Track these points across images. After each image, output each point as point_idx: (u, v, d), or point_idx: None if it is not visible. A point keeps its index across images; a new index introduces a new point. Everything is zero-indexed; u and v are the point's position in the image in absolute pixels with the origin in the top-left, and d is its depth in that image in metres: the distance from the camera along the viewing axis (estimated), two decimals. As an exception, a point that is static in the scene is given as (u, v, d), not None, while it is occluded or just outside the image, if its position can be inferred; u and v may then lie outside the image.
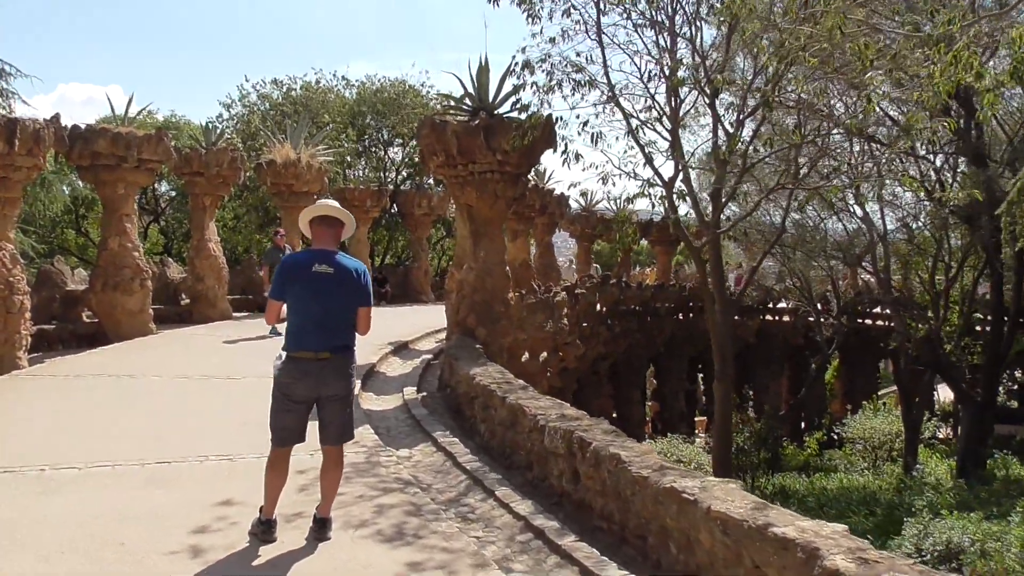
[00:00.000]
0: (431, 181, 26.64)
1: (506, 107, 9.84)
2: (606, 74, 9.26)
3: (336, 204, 4.65)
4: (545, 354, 10.69)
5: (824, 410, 25.87)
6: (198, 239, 15.69)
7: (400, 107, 24.10)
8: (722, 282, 10.66)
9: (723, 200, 10.48)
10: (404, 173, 26.15)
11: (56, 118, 10.24)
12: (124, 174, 12.64)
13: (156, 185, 21.15)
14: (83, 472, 5.57)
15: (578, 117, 9.33)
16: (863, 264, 20.16)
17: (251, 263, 19.36)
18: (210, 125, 16.58)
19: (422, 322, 16.70)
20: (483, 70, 9.79)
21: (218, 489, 5.31)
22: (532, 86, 8.70)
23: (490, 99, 9.79)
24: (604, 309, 18.51)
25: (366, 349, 12.49)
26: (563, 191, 19.44)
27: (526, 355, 10.16)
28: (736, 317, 24.93)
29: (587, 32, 9.19)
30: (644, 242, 26.79)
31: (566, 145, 8.51)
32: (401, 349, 13.23)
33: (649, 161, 9.51)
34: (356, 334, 4.55)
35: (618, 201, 24.55)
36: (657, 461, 4.64)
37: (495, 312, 9.72)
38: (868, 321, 24.91)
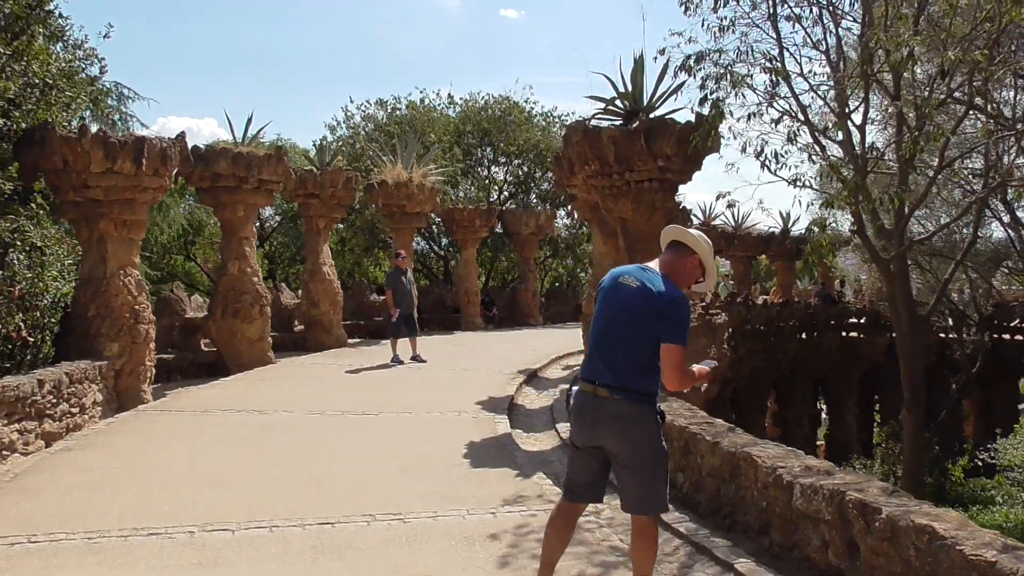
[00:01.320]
0: (534, 199, 25.82)
1: (663, 109, 8.82)
2: (783, 66, 8.10)
3: (699, 237, 3.70)
4: (705, 384, 9.54)
5: (960, 434, 23.74)
6: (312, 263, 15.17)
7: (505, 124, 23.39)
8: (911, 301, 9.29)
9: (908, 208, 9.11)
10: (507, 192, 25.38)
11: (182, 137, 9.74)
12: (244, 196, 12.16)
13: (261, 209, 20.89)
14: (238, 536, 4.73)
15: (730, 115, 8.08)
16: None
17: (361, 287, 18.82)
18: (324, 144, 16.13)
19: (543, 348, 15.73)
20: (638, 68, 8.80)
21: (400, 562, 4.37)
22: (713, 81, 7.57)
23: (646, 100, 8.78)
24: (730, 330, 17.19)
25: (498, 379, 11.62)
26: (684, 204, 18.13)
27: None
28: (862, 335, 23.27)
29: (769, 18, 8.06)
30: (763, 257, 25.26)
31: (762, 147, 7.37)
32: (532, 378, 12.27)
33: (835, 169, 8.27)
34: (654, 379, 3.54)
35: (736, 215, 23.27)
36: (995, 537, 3.46)
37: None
38: (1006, 336, 22.79)
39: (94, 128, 8.92)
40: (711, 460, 5.46)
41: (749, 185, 9.77)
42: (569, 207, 19.64)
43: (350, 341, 16.01)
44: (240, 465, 6.35)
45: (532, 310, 23.24)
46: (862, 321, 23.13)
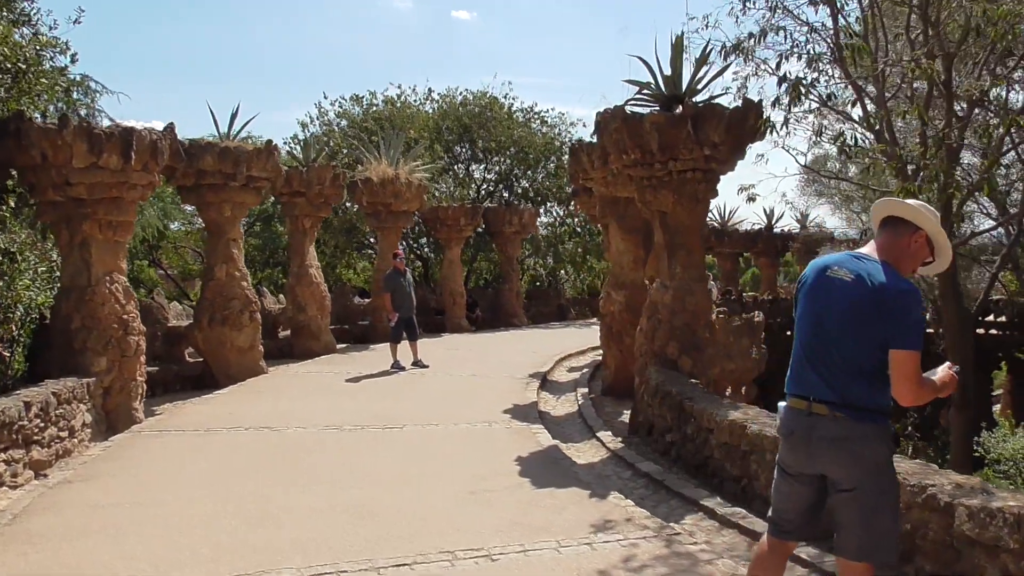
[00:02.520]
0: (506, 196, 25.14)
1: (702, 95, 8.22)
2: (837, 44, 7.56)
3: (921, 207, 3.05)
4: (745, 387, 9.00)
5: (938, 425, 23.72)
6: (298, 265, 14.30)
7: (485, 120, 22.65)
8: (960, 298, 8.85)
9: (958, 198, 8.65)
10: (486, 190, 24.62)
11: (171, 128, 8.86)
12: (231, 194, 11.25)
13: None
14: (303, 585, 3.99)
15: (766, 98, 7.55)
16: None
17: (344, 290, 17.97)
18: (308, 140, 15.24)
19: (543, 350, 15.12)
20: (677, 52, 8.18)
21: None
22: (793, 59, 6.95)
23: (686, 84, 8.16)
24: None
25: (511, 384, 10.94)
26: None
27: (729, 389, 8.50)
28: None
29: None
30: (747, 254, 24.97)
31: (843, 134, 6.78)
32: (544, 382, 11.60)
33: (897, 158, 7.73)
34: (884, 391, 2.90)
35: (723, 211, 22.99)
36: None
37: (699, 338, 8.04)
38: (981, 331, 22.87)
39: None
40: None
41: (774, 177, 9.25)
42: (573, 203, 19.03)
43: (338, 347, 15.18)
44: (272, 494, 5.57)
45: (516, 311, 22.59)
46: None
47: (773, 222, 24.17)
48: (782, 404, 3.15)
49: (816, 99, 7.10)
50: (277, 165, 11.64)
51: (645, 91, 8.25)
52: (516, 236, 22.27)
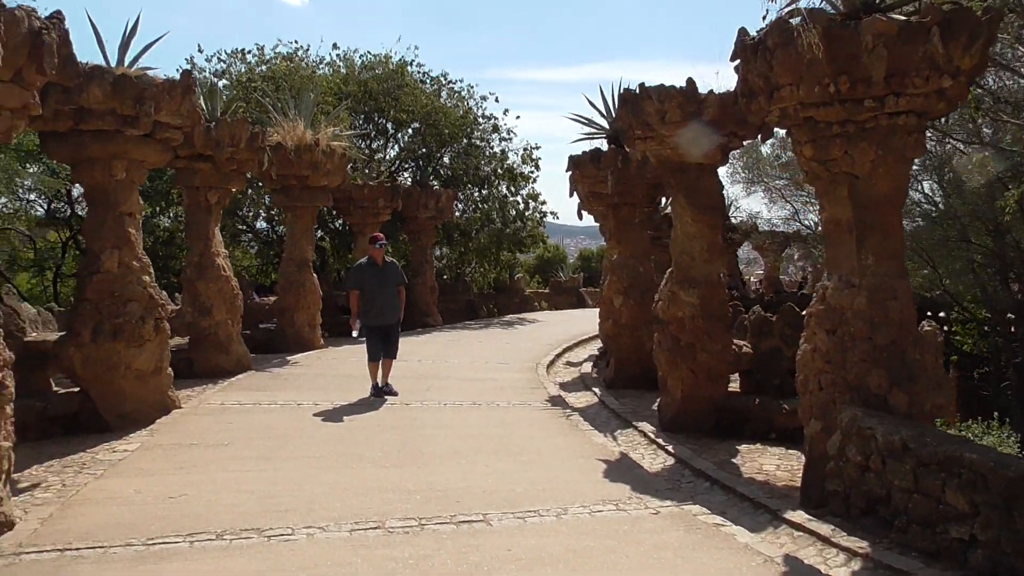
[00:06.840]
0: (417, 177, 21.85)
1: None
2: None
3: None
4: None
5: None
6: (200, 253, 10.55)
7: (393, 88, 19.18)
8: None
9: None
10: (392, 168, 21.17)
11: (59, 18, 5.21)
12: (128, 146, 7.52)
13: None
14: None
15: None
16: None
17: (243, 284, 14.16)
18: (215, 86, 11.35)
19: (512, 358, 12.36)
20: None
21: None
22: None
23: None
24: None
25: (539, 417, 8.06)
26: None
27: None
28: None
29: None
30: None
31: None
32: (564, 407, 8.78)
33: None
34: None
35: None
36: None
37: (911, 362, 5.49)
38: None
39: None
40: None
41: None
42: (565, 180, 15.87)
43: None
44: None
45: (431, 309, 19.53)
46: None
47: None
48: None
49: None
50: (195, 109, 7.98)
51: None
52: (431, 223, 19.15)
